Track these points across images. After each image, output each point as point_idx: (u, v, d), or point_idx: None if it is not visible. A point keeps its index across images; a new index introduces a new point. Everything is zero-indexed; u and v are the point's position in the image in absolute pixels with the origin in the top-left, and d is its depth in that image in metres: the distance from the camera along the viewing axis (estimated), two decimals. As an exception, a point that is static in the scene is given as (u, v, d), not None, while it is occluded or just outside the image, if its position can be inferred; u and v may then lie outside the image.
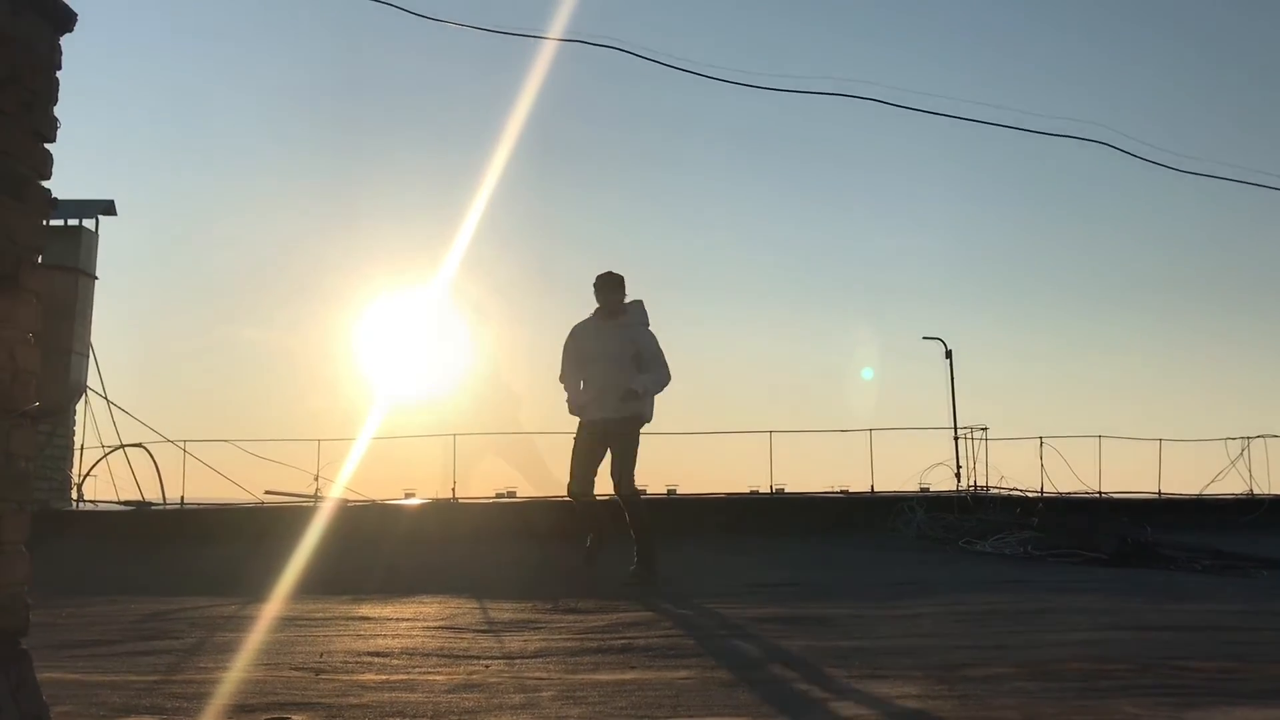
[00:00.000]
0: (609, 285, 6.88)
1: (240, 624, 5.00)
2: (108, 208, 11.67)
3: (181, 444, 12.11)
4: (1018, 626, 4.65)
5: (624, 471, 6.66)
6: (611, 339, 6.81)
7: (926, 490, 12.56)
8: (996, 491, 12.68)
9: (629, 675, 3.60)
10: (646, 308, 7.01)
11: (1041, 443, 14.92)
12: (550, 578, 6.88)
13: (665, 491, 13.10)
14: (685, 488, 12.69)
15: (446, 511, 11.10)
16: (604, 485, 6.83)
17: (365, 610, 5.43)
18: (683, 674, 3.63)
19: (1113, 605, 5.43)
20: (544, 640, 4.38)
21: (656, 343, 6.90)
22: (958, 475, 14.59)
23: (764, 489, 12.37)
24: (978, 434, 13.42)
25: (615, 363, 6.75)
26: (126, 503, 11.58)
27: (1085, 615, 5.06)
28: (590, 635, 4.50)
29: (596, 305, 6.95)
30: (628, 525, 6.70)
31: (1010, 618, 4.93)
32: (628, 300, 6.94)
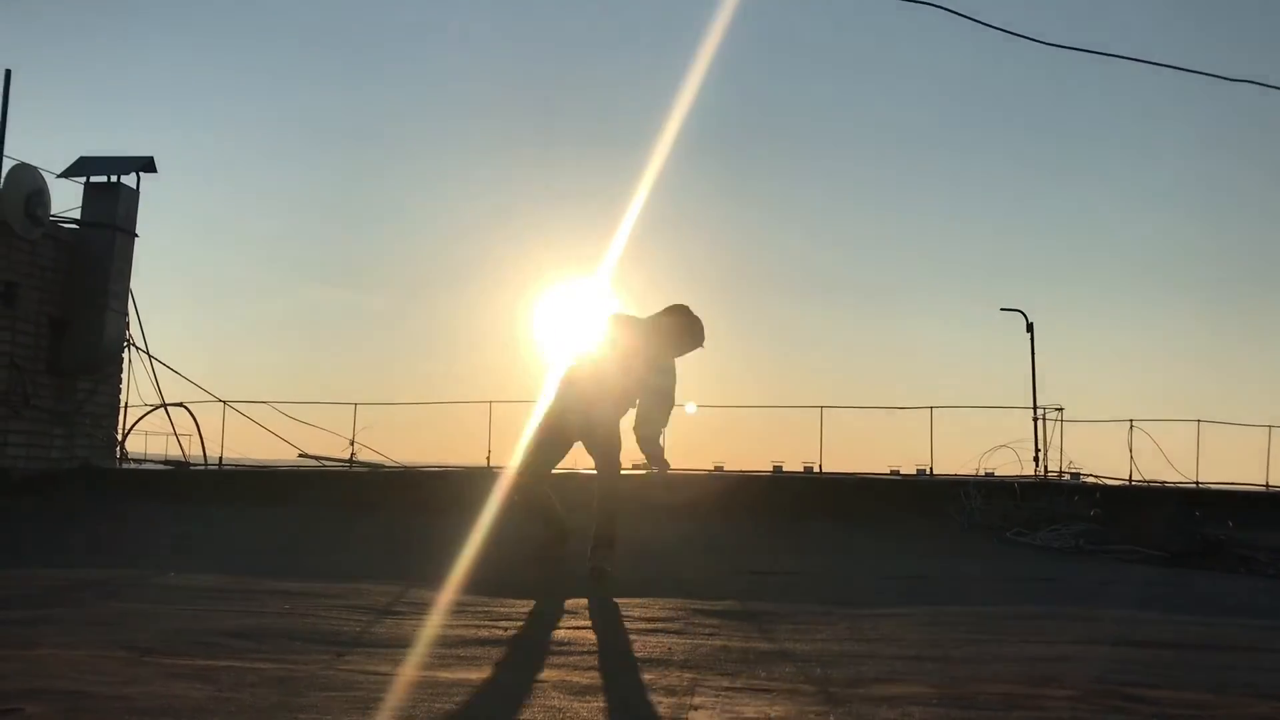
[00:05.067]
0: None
1: (155, 594, 4.72)
2: (147, 164, 11.68)
3: (225, 402, 12.11)
4: (988, 636, 4.03)
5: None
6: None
7: (991, 475, 11.75)
8: (1066, 477, 11.79)
9: (478, 675, 3.16)
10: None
11: (1131, 426, 13.90)
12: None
13: (712, 468, 12.63)
14: (731, 465, 12.18)
15: (479, 480, 10.82)
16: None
17: (275, 585, 5.10)
18: (545, 674, 3.18)
19: (1124, 614, 4.74)
20: (443, 628, 3.97)
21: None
22: (1036, 459, 13.71)
23: (801, 467, 11.77)
24: (1051, 415, 12.52)
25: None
26: (167, 461, 11.63)
27: (1082, 624, 4.41)
28: (497, 625, 4.08)
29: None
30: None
31: (990, 625, 4.30)
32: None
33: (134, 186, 11.74)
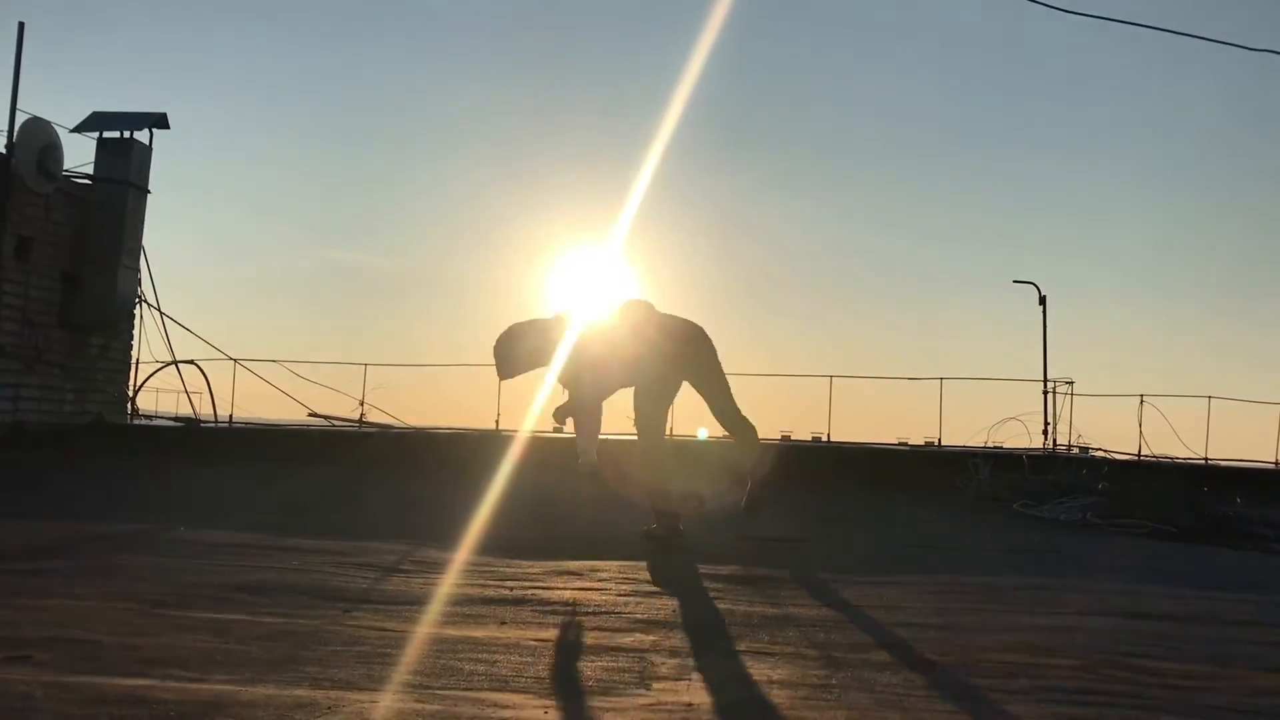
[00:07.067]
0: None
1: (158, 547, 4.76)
2: (159, 121, 11.64)
3: (235, 360, 12.14)
4: (990, 606, 4.04)
5: None
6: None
7: (1000, 447, 11.73)
8: (1076, 451, 11.77)
9: (483, 633, 3.17)
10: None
11: (1142, 401, 13.84)
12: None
13: (720, 435, 12.61)
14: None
15: (488, 443, 10.87)
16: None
17: (284, 542, 5.14)
18: (551, 634, 3.20)
19: (1129, 587, 4.74)
20: (450, 586, 3.99)
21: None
22: (1045, 432, 13.69)
23: (809, 436, 11.76)
24: (1062, 389, 12.47)
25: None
26: (178, 418, 11.68)
27: (1087, 596, 4.41)
28: (504, 585, 4.10)
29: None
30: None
31: (990, 596, 4.31)
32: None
33: (147, 143, 11.72)
